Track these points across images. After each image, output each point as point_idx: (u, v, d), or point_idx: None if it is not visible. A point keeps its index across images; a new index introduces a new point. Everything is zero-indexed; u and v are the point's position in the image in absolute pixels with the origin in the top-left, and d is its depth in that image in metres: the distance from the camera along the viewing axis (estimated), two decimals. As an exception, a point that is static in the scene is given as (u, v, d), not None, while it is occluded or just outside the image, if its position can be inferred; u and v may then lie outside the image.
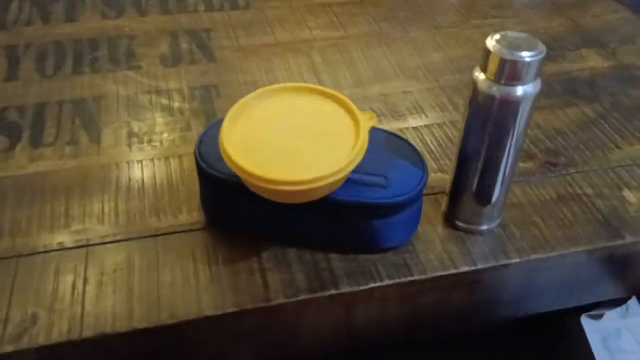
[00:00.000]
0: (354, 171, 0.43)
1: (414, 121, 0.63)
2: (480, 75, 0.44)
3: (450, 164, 0.50)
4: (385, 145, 0.50)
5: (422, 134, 0.61)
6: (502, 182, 0.48)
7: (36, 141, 0.58)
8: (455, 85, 0.67)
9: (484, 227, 0.51)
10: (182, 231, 0.49)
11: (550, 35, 0.76)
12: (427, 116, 0.63)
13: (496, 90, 0.43)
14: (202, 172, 0.48)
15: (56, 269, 0.46)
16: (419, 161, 0.49)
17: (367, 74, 0.69)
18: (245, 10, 0.80)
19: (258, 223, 0.48)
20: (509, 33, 0.43)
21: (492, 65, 0.43)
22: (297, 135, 0.45)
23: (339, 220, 0.46)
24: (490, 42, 0.43)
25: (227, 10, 0.80)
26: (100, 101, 0.63)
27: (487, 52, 0.43)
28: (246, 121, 0.45)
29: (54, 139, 0.58)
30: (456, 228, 0.51)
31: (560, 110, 0.64)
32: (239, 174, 0.42)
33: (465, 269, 0.48)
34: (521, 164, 0.57)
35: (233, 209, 0.48)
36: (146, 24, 0.76)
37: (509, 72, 0.42)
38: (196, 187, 0.51)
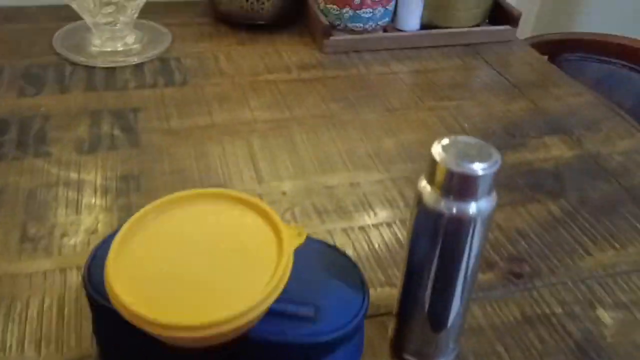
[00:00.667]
0: (277, 300, 0.35)
1: (360, 220, 0.55)
2: (426, 187, 0.37)
3: (399, 276, 0.43)
4: (319, 261, 0.42)
5: (369, 236, 0.53)
6: (458, 305, 0.40)
7: None
8: (408, 176, 0.60)
9: (438, 360, 0.42)
10: (66, 370, 0.40)
11: (510, 119, 0.71)
12: (375, 214, 0.56)
13: (445, 206, 0.36)
14: (90, 300, 0.39)
15: None
16: (359, 281, 0.41)
17: (311, 163, 0.62)
18: (182, 87, 0.73)
19: (158, 364, 0.39)
20: (459, 138, 0.37)
21: (440, 178, 0.36)
22: (204, 258, 0.36)
23: (258, 362, 0.38)
24: (437, 149, 0.36)
25: (161, 87, 0.73)
26: (-5, 195, 0.54)
27: (434, 161, 0.36)
28: (142, 240, 0.37)
29: None
30: (404, 361, 0.42)
31: (522, 207, 0.57)
32: (127, 317, 0.33)
33: (414, 417, 0.39)
34: (480, 275, 0.49)
35: (128, 346, 0.39)
36: (67, 102, 0.68)
37: (459, 186, 0.35)
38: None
